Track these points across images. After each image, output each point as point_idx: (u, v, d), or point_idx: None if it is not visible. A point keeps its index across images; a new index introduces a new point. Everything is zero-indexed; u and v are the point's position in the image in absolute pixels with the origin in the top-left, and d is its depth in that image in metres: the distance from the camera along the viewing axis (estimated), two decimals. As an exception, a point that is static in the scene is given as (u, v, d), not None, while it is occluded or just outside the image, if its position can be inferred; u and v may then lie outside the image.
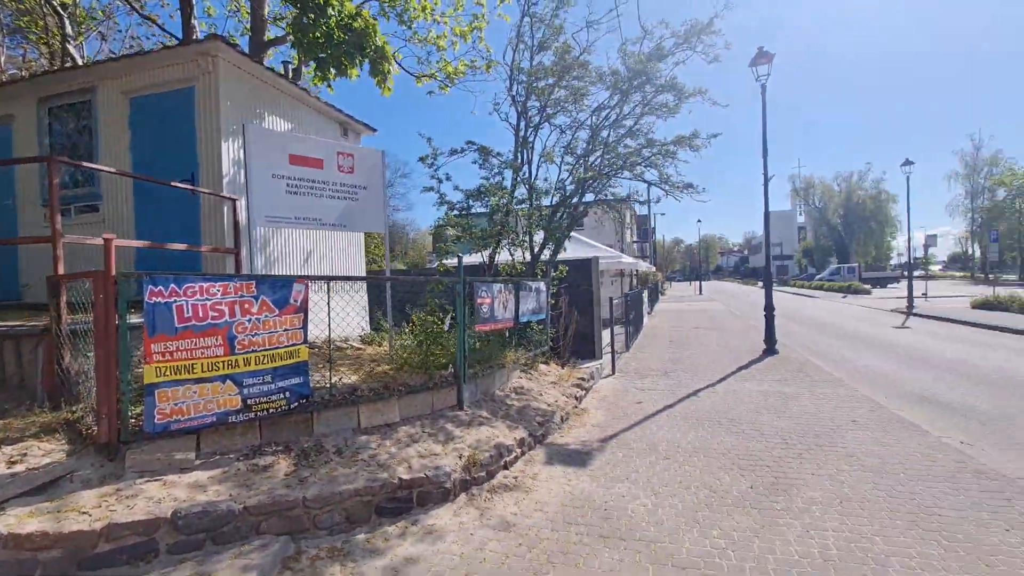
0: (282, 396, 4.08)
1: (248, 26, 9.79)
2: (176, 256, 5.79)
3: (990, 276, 45.40)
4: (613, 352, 9.40)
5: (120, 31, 15.32)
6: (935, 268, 68.35)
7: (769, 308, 10.98)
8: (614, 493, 4.21)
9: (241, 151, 5.62)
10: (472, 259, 8.05)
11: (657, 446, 5.33)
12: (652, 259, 43.06)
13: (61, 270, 4.35)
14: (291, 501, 3.40)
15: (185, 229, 6.10)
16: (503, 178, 8.10)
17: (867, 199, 56.81)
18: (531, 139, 8.59)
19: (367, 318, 8.07)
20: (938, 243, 47.53)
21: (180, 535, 3.06)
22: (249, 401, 3.90)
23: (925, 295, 27.08)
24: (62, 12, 11.10)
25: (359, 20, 5.82)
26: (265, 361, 3.99)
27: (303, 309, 4.23)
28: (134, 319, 3.61)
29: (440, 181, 7.57)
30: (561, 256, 9.74)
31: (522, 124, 8.70)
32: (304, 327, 4.24)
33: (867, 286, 36.23)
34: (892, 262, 61.12)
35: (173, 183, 5.55)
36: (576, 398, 7.02)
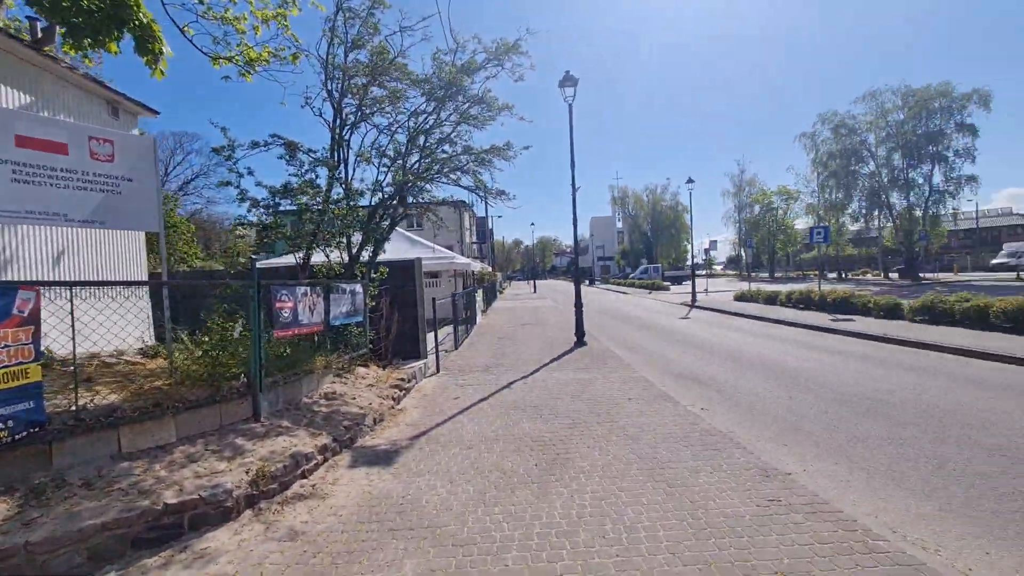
0: (1, 426, 3.38)
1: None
2: None
3: (751, 275, 57.13)
4: (437, 351, 9.64)
5: None
6: (718, 268, 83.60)
7: (578, 305, 12.32)
8: (413, 487, 4.37)
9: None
10: (291, 260, 7.56)
11: (464, 438, 5.66)
12: (491, 259, 44.88)
13: None
14: (7, 550, 2.85)
15: None
16: (316, 176, 7.75)
17: (667, 209, 66.97)
18: (347, 137, 8.36)
19: (151, 328, 7.02)
20: (718, 247, 57.77)
21: None
22: (-53, 437, 3.16)
23: (706, 290, 33.00)
24: None
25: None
26: (-27, 386, 3.26)
27: (34, 321, 3.56)
28: None
29: (240, 175, 6.93)
30: (391, 257, 9.66)
31: (339, 121, 8.42)
32: (35, 342, 3.56)
33: (667, 283, 42.76)
34: (688, 263, 73.02)
35: None
36: (394, 399, 7.06)
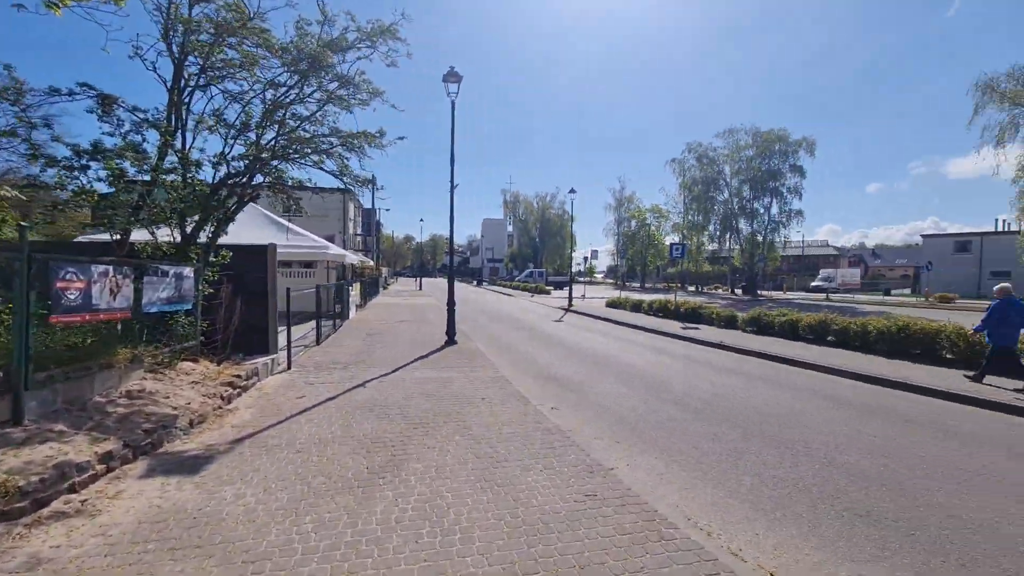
0: None
1: None
2: None
3: (625, 284, 61.76)
4: (290, 346, 8.86)
5: None
6: (599, 276, 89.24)
7: (450, 304, 12.19)
8: (216, 498, 3.86)
9: None
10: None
11: (296, 440, 5.19)
12: (376, 253, 43.19)
13: None
14: None
15: None
16: (144, 139, 6.66)
17: (555, 217, 70.00)
18: (188, 101, 7.31)
19: None
20: (599, 257, 61.55)
21: None
22: None
23: (583, 296, 34.92)
24: None
25: None
26: None
27: None
28: None
29: (33, 126, 5.68)
30: (249, 240, 8.64)
31: (181, 83, 7.34)
32: None
33: (550, 288, 44.51)
34: (573, 269, 76.80)
35: None
36: (224, 398, 6.29)
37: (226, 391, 6.43)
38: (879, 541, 3.59)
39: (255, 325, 8.54)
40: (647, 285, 59.72)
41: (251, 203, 10.81)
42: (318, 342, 11.37)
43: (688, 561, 3.12)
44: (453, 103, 11.52)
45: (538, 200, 75.49)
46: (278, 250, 9.52)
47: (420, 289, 41.43)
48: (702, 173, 41.72)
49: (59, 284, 4.46)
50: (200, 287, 7.07)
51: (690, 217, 44.14)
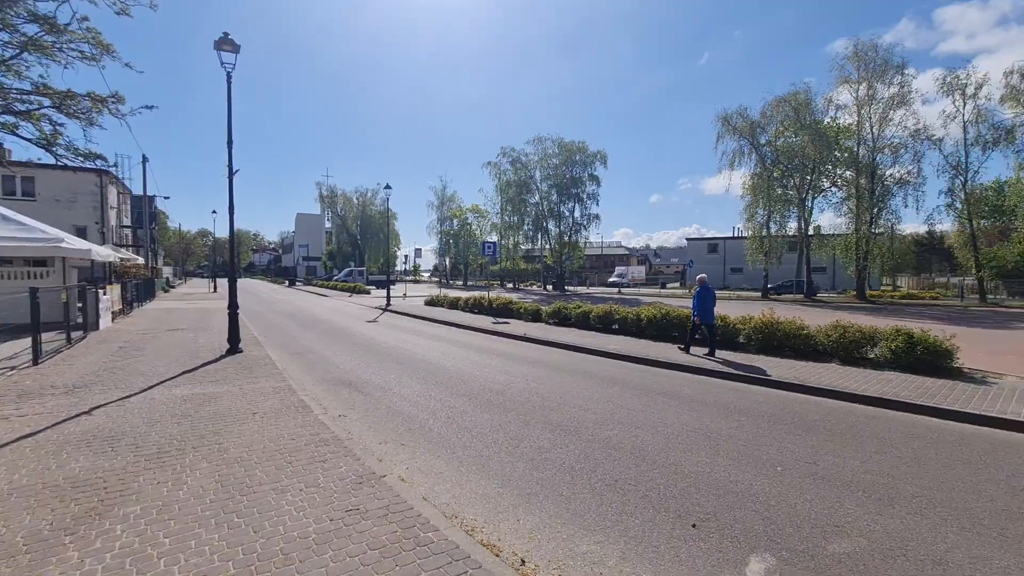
0: None
1: None
2: None
3: (449, 282, 62.67)
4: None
5: None
6: (425, 275, 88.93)
7: (232, 307, 10.60)
8: None
9: None
10: None
11: (-56, 501, 3.75)
12: (151, 248, 36.01)
13: None
14: None
15: None
16: None
17: (377, 214, 67.47)
18: None
19: None
20: (424, 256, 61.03)
21: None
22: None
23: (405, 295, 34.24)
24: None
25: None
26: None
27: None
28: None
29: None
30: None
31: None
32: None
33: (370, 287, 42.69)
34: (398, 268, 75.02)
35: None
36: None
37: None
38: (619, 506, 3.98)
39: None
40: (470, 283, 61.49)
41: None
42: (35, 361, 8.79)
43: (439, 565, 3.00)
44: (229, 75, 9.96)
45: (358, 195, 71.90)
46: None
47: (214, 292, 35.85)
48: (516, 176, 44.51)
49: None
50: None
51: (506, 217, 46.73)
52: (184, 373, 8.43)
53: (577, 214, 44.44)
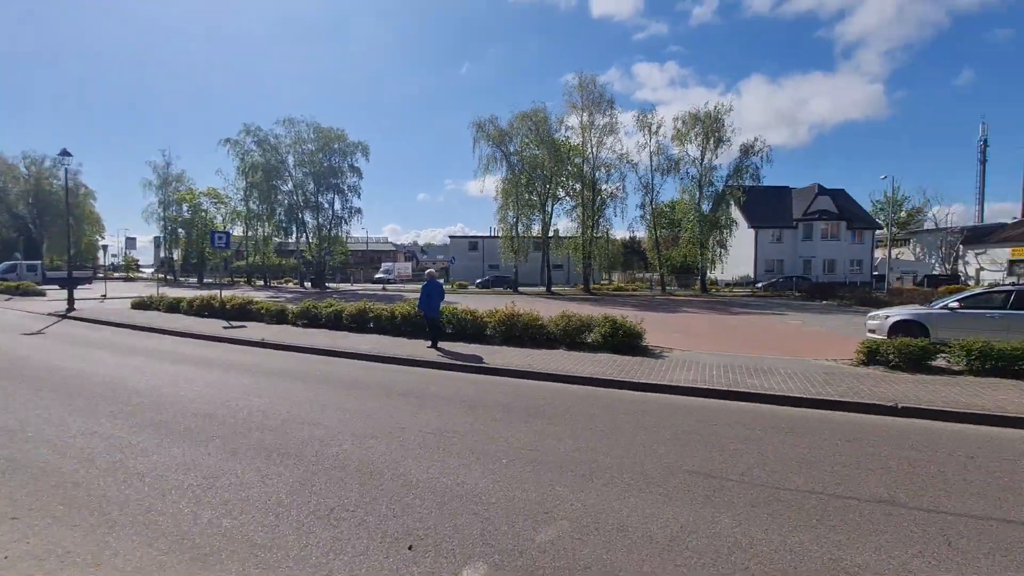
0: None
1: None
2: None
3: (179, 280, 51.77)
4: None
5: None
6: (148, 271, 71.12)
7: None
8: None
9: None
10: None
11: None
12: None
13: None
14: None
15: None
16: None
17: (63, 191, 51.11)
18: None
19: None
20: (139, 246, 48.93)
21: None
22: None
23: (104, 296, 26.57)
24: None
25: None
26: None
27: None
28: None
29: None
30: None
31: None
32: None
33: (46, 287, 31.97)
34: (102, 262, 58.05)
35: None
36: None
37: None
38: (329, 543, 3.35)
39: None
40: (208, 281, 51.86)
41: None
42: None
43: None
44: None
45: (30, 164, 53.25)
46: None
47: None
48: (264, 159, 39.20)
49: None
50: None
51: (253, 205, 40.86)
52: None
53: (338, 206, 41.81)
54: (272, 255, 48.92)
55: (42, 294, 28.28)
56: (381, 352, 10.42)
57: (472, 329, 12.24)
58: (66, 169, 20.70)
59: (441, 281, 11.06)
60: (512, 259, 38.83)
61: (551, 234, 39.88)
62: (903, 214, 59.08)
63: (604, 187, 38.45)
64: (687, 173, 38.70)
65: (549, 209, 39.07)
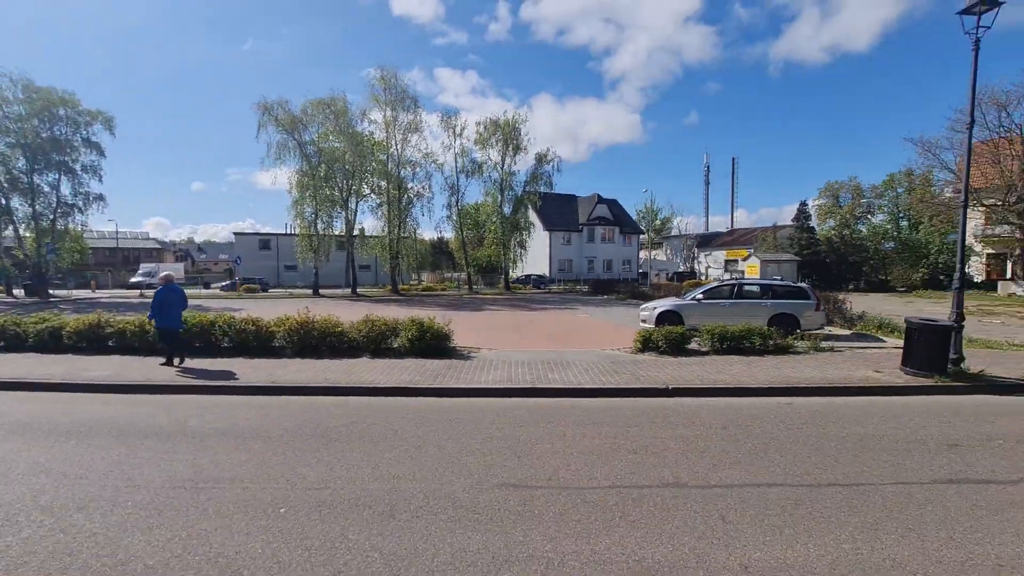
0: None
1: None
2: None
3: None
4: None
5: None
6: None
7: None
8: None
9: None
10: None
11: None
12: None
13: None
14: None
15: None
16: None
17: None
18: None
19: None
20: None
21: None
22: None
23: None
24: None
25: None
26: None
27: None
28: None
29: None
30: None
31: None
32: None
33: None
34: None
35: None
36: None
37: None
38: None
39: None
40: None
41: None
42: None
43: None
44: None
45: None
46: None
47: None
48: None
49: None
50: None
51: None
52: None
53: (67, 190, 32.21)
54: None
55: None
56: (122, 380, 8.01)
57: (256, 341, 10.38)
58: None
59: (179, 285, 9.18)
60: (312, 259, 35.27)
61: (356, 232, 37.44)
62: (658, 222, 72.26)
63: (411, 186, 37.68)
64: (490, 177, 40.47)
65: (353, 206, 36.63)
